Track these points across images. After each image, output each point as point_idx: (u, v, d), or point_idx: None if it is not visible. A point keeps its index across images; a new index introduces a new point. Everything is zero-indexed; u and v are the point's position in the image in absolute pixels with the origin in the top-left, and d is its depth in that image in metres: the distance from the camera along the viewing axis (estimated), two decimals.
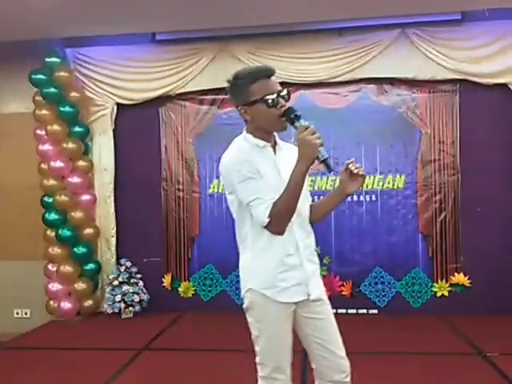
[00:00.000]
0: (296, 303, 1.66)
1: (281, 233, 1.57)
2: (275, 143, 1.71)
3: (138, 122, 4.60)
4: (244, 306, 1.68)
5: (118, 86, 4.56)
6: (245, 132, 1.70)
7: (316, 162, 1.53)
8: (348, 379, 1.69)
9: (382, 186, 4.37)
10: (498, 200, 4.26)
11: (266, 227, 1.55)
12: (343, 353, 1.68)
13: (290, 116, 1.57)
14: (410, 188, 4.39)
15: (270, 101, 1.56)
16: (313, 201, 1.82)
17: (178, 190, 4.61)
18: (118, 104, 4.59)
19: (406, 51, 4.31)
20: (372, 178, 4.34)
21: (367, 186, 4.39)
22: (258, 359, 1.67)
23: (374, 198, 4.38)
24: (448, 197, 4.35)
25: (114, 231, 4.59)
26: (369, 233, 4.38)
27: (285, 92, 1.60)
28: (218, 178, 4.57)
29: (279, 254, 1.59)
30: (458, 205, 4.34)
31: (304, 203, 1.67)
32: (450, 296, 4.29)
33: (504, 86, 4.20)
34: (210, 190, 4.57)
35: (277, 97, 1.58)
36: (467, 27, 4.22)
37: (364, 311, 4.30)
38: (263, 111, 1.58)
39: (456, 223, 4.33)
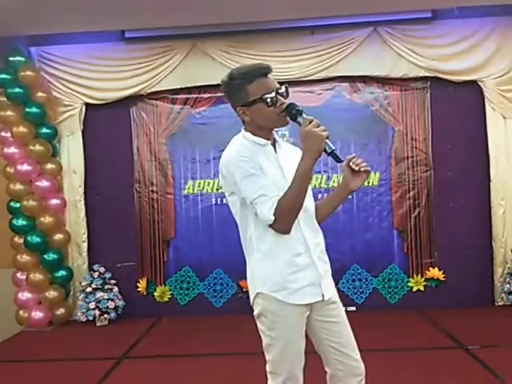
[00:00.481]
0: (310, 306, 1.62)
1: (287, 231, 1.54)
2: (275, 141, 1.69)
3: (108, 123, 4.52)
4: (255, 313, 1.62)
5: (87, 86, 4.46)
6: (243, 131, 1.67)
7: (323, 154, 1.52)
8: (363, 382, 1.67)
9: None
10: (470, 195, 4.35)
11: (271, 226, 1.53)
12: (358, 355, 1.66)
13: (292, 112, 1.55)
14: (384, 185, 4.45)
15: (269, 100, 1.54)
16: (317, 199, 1.81)
17: (152, 191, 4.54)
18: (87, 104, 4.50)
19: (379, 49, 4.36)
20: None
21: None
22: (269, 368, 1.62)
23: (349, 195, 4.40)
24: (421, 193, 4.42)
25: (86, 236, 4.49)
26: (345, 231, 4.41)
27: (283, 89, 1.58)
28: (193, 178, 4.54)
29: (288, 254, 1.56)
30: (431, 200, 4.41)
31: (309, 200, 1.64)
32: (425, 290, 4.36)
33: (473, 82, 4.30)
34: (185, 191, 4.53)
35: (275, 95, 1.56)
36: (438, 25, 4.30)
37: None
38: (263, 111, 1.56)
39: (430, 219, 4.40)
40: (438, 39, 4.29)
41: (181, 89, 4.46)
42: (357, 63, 4.37)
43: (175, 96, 4.53)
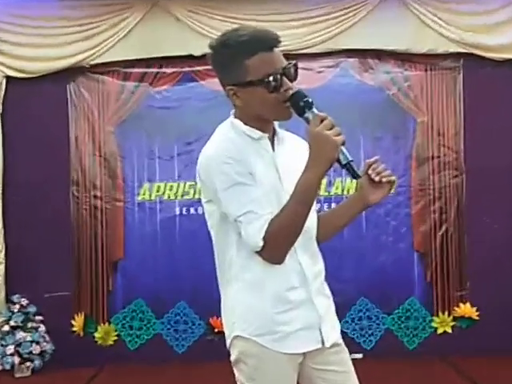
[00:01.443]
0: (304, 353, 1.62)
1: (280, 261, 1.56)
2: (274, 133, 1.68)
3: (36, 103, 4.46)
4: (232, 358, 1.63)
5: (7, 53, 4.44)
6: (232, 117, 1.65)
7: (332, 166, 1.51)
8: None
9: None
10: None
11: (259, 253, 1.54)
12: None
13: (298, 103, 1.54)
14: (402, 193, 4.43)
15: (272, 83, 1.53)
16: (319, 211, 1.80)
17: (95, 197, 4.50)
18: (8, 77, 4.45)
19: (398, 16, 4.36)
20: (353, 180, 4.37)
21: (347, 191, 4.40)
22: None
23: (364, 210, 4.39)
24: (450, 204, 4.42)
25: (2, 256, 4.41)
26: (350, 252, 4.39)
27: (291, 68, 1.57)
28: (150, 180, 4.50)
29: (278, 287, 1.58)
30: (462, 215, 4.41)
31: (311, 217, 1.63)
32: (453, 332, 4.36)
33: None
34: (139, 198, 4.50)
35: (281, 76, 1.54)
36: None
37: None
38: (261, 96, 1.55)
39: (460, 238, 4.41)
40: (476, 4, 4.31)
41: (136, 60, 4.43)
42: (369, 33, 4.35)
43: (128, 70, 4.50)
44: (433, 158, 4.43)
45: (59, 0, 4.35)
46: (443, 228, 4.41)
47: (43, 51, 4.36)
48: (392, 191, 4.24)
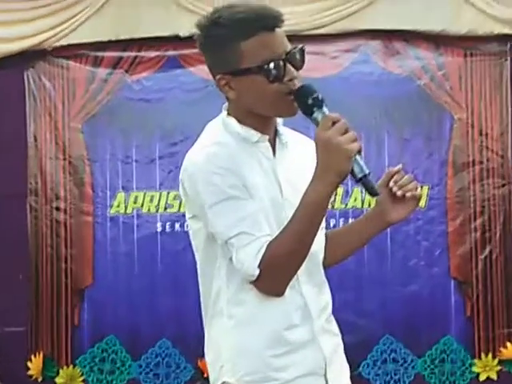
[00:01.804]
0: None
1: (279, 293, 1.55)
2: (276, 134, 1.66)
3: None
4: None
5: None
6: (225, 114, 1.63)
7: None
8: None
9: None
10: None
11: (254, 283, 1.53)
12: None
13: (306, 100, 1.50)
14: (436, 207, 4.35)
15: (273, 71, 1.52)
16: (327, 227, 1.77)
17: (57, 209, 4.39)
18: None
19: None
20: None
21: (368, 204, 4.30)
22: None
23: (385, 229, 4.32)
24: (495, 221, 4.32)
25: None
26: (372, 280, 4.33)
27: (297, 53, 1.55)
28: (125, 189, 4.43)
29: (276, 325, 1.57)
30: (510, 233, 4.33)
31: (318, 237, 1.61)
32: (500, 379, 4.25)
33: None
34: (112, 210, 4.42)
35: (284, 63, 1.52)
36: None
37: None
38: (260, 86, 1.54)
39: (508, 263, 4.31)
40: None
41: (109, 42, 4.35)
42: (396, 10, 4.27)
43: (100, 53, 4.41)
44: (474, 163, 4.31)
45: None
46: (487, 250, 4.29)
47: None
48: (420, 206, 4.27)
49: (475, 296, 4.25)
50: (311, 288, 1.63)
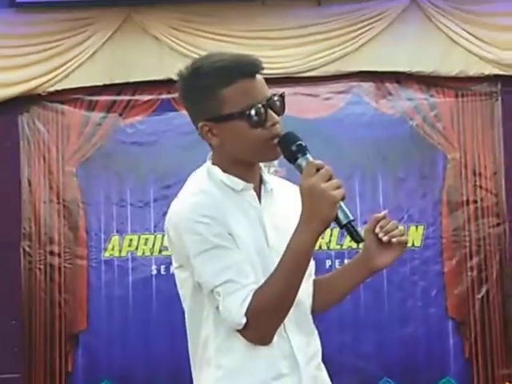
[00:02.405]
0: None
1: (266, 341, 1.54)
2: (261, 181, 1.66)
3: None
4: None
5: None
6: (209, 163, 1.63)
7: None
8: None
9: None
10: None
11: (241, 332, 1.51)
12: None
13: (290, 147, 1.52)
14: (431, 247, 4.37)
15: (254, 116, 1.52)
16: (322, 268, 1.77)
17: (51, 253, 4.39)
18: None
19: (421, 32, 4.36)
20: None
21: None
22: None
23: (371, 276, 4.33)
24: (492, 260, 4.34)
25: None
26: (369, 321, 4.31)
27: (277, 99, 1.57)
28: (119, 232, 4.42)
29: (263, 375, 1.55)
30: (507, 272, 4.33)
31: (305, 285, 1.61)
32: None
33: None
34: (107, 254, 4.41)
35: (265, 108, 1.53)
36: None
37: None
38: (242, 132, 1.54)
39: (505, 302, 4.32)
40: None
41: (103, 86, 4.40)
42: (387, 52, 4.34)
43: (94, 97, 4.46)
44: (468, 202, 4.35)
45: (15, 13, 4.29)
46: (483, 289, 4.31)
47: None
48: (416, 246, 4.23)
49: (473, 336, 4.28)
50: (300, 337, 1.62)
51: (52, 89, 4.35)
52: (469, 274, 4.29)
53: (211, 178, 1.61)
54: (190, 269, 1.56)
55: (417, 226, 4.35)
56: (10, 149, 4.39)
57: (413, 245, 4.32)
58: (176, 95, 4.25)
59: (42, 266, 4.36)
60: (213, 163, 1.63)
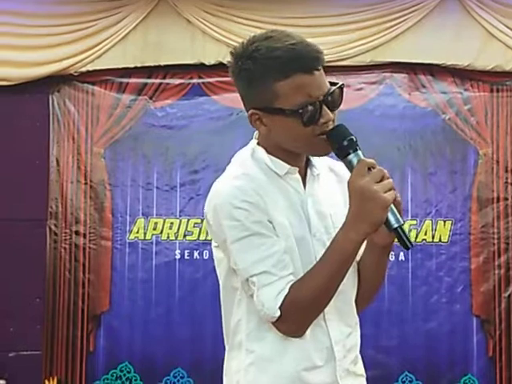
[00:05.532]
0: None
1: (298, 335, 1.53)
2: (307, 164, 1.63)
3: (8, 117, 4.44)
4: None
5: None
6: (255, 142, 1.62)
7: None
8: None
9: (416, 237, 4.34)
10: None
11: (275, 324, 1.51)
12: None
13: (341, 142, 1.48)
14: (458, 243, 4.37)
15: (308, 116, 1.47)
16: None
17: (76, 233, 4.42)
18: None
19: (458, 24, 4.34)
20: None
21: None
22: None
23: (401, 257, 4.32)
24: None
25: None
26: (392, 316, 4.32)
27: (335, 94, 1.51)
28: (145, 215, 4.44)
29: (296, 365, 1.54)
30: None
31: (350, 274, 1.57)
32: None
33: None
34: (131, 236, 4.44)
35: (320, 105, 1.48)
36: None
37: None
38: (293, 128, 1.50)
39: None
40: None
41: (134, 68, 4.42)
42: (422, 44, 4.34)
43: (124, 80, 4.48)
44: (498, 199, 4.35)
45: None
46: (510, 288, 4.31)
47: (22, 54, 4.35)
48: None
49: (498, 335, 4.27)
50: (340, 327, 1.60)
51: (83, 69, 4.37)
52: (496, 271, 4.30)
53: (255, 159, 1.59)
54: (226, 253, 1.56)
55: (445, 221, 4.35)
56: (40, 128, 4.43)
57: (440, 240, 4.33)
58: (207, 80, 4.41)
59: (67, 246, 4.39)
60: (258, 143, 1.61)
